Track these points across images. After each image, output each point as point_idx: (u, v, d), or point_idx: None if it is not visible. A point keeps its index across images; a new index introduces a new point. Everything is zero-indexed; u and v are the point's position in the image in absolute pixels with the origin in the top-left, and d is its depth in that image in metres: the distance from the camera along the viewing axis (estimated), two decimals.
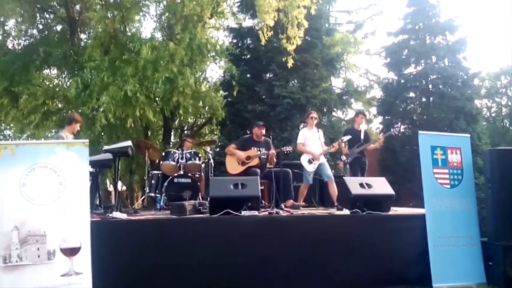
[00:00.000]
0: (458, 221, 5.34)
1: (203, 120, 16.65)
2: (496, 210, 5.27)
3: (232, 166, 6.83)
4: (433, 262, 5.04)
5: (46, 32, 13.45)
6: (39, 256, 3.84)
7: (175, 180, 7.24)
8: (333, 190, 6.87)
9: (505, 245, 5.04)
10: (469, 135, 6.19)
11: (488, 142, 14.65)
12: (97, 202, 6.44)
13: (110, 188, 13.00)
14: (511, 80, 28.39)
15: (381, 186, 5.65)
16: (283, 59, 11.08)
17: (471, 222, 5.41)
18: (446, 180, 5.49)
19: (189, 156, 7.48)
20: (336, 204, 6.76)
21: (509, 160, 5.32)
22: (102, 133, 10.73)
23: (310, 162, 6.87)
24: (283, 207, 6.09)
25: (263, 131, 6.96)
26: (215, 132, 16.41)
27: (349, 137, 7.38)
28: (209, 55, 11.92)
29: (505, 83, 28.86)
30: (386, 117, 16.25)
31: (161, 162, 7.75)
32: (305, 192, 7.02)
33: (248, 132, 9.87)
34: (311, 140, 6.99)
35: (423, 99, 15.74)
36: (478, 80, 20.11)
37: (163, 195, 7.12)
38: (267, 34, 10.39)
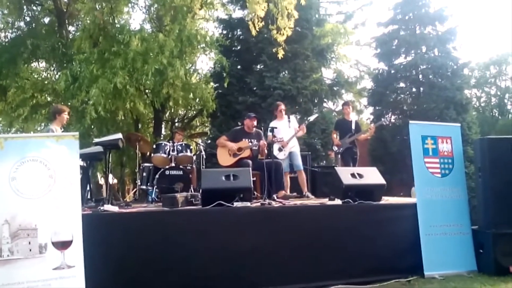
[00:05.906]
0: (449, 209, 5.38)
1: (194, 112, 16.65)
2: (487, 198, 5.30)
3: (224, 157, 6.81)
4: (425, 251, 5.09)
5: (33, 25, 13.29)
6: (30, 250, 3.80)
7: (167, 172, 7.20)
8: (302, 179, 7.04)
9: (496, 233, 5.09)
10: (459, 125, 6.19)
11: (478, 131, 14.82)
12: (88, 196, 6.38)
13: (101, 181, 12.95)
14: (500, 70, 28.66)
15: (372, 176, 5.66)
16: (274, 50, 11.04)
17: (462, 210, 5.46)
18: (437, 169, 5.53)
19: (180, 148, 7.44)
20: (304, 193, 6.87)
21: (499, 149, 5.35)
22: (92, 126, 10.66)
23: (280, 150, 6.99)
24: (275, 198, 6.09)
25: (255, 123, 6.94)
26: (206, 124, 16.43)
27: (316, 115, 7.50)
28: (199, 46, 11.88)
29: (494, 73, 29.19)
30: (377, 108, 16.35)
31: (152, 155, 7.70)
32: (287, 180, 7.06)
33: (239, 123, 9.85)
34: (280, 130, 6.99)
35: (413, 89, 15.84)
36: (468, 70, 20.28)
37: (154, 188, 7.10)
38: (258, 25, 10.33)
